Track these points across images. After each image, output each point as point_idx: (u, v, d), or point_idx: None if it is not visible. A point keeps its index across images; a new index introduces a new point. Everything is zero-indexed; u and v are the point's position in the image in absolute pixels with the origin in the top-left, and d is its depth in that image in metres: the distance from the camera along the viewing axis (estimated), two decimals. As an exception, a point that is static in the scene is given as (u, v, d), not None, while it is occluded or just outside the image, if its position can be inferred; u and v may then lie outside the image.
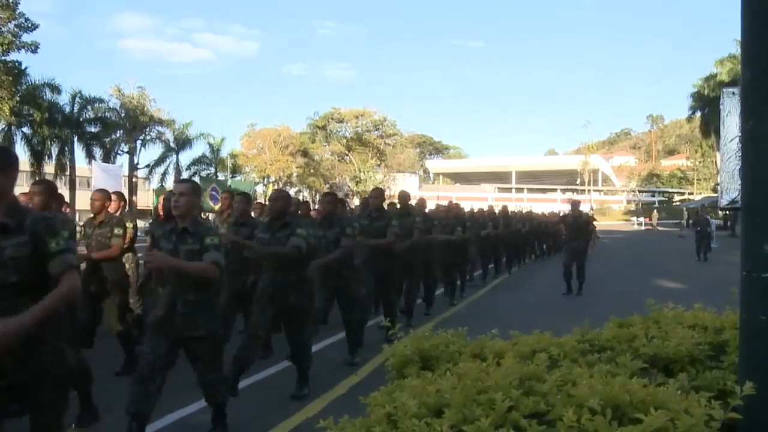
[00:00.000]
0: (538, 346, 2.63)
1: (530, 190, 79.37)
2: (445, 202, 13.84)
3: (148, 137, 43.77)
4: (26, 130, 33.98)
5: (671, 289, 12.72)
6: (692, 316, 3.10)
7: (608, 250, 26.14)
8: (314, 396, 5.45)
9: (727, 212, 36.43)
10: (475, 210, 14.99)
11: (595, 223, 13.15)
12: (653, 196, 79.97)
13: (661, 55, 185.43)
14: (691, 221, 31.51)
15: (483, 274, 14.35)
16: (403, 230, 8.16)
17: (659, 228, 50.13)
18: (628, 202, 79.23)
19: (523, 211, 24.40)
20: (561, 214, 23.81)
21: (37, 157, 34.79)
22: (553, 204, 53.70)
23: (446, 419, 1.74)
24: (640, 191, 79.35)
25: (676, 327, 2.86)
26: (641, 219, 58.52)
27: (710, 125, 46.49)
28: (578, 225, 12.40)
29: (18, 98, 28.64)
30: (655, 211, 54.79)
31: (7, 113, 27.37)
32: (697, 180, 71.68)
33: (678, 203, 65.92)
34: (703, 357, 2.55)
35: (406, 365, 2.48)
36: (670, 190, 79.91)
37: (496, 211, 16.85)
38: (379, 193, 8.38)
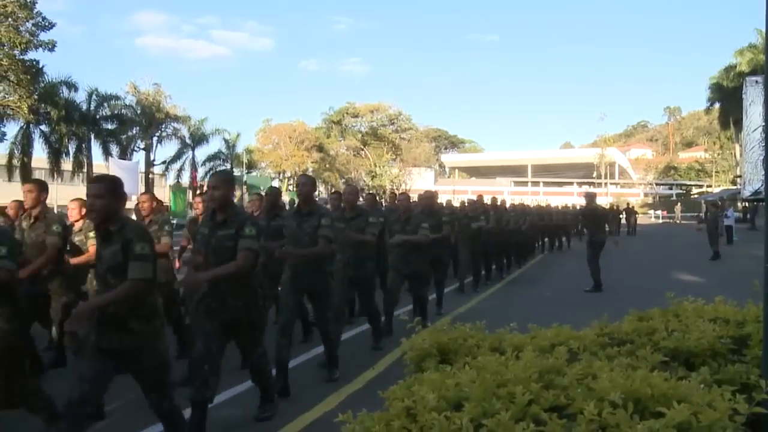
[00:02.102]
0: (557, 339, 2.62)
1: (546, 184, 78.92)
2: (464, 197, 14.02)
3: (164, 134, 44.03)
4: (44, 127, 34.27)
5: (690, 282, 12.61)
6: (713, 310, 3.07)
7: (626, 243, 25.96)
8: (331, 390, 5.45)
9: (747, 204, 36.07)
10: (457, 202, 14.40)
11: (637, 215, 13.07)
12: (671, 188, 79.27)
13: (678, 47, 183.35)
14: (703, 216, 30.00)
15: (474, 281, 11.95)
16: (433, 229, 8.45)
17: (681, 222, 49.67)
18: (645, 195, 78.61)
19: (529, 204, 22.83)
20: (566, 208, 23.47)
21: (55, 155, 35.08)
22: (569, 197, 53.35)
23: (466, 413, 1.73)
24: (657, 184, 78.72)
25: (697, 320, 2.84)
26: (659, 212, 58.02)
27: (729, 116, 45.98)
28: (595, 218, 12.24)
29: (36, 96, 28.88)
30: (679, 204, 54.24)
31: (26, 111, 27.62)
32: (716, 172, 70.90)
33: (696, 196, 65.25)
34: (725, 351, 2.53)
35: (425, 359, 2.48)
36: (688, 182, 79.11)
37: (505, 206, 15.60)
38: (353, 189, 8.36)
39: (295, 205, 5.98)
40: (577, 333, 2.73)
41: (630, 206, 35.21)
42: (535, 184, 79.78)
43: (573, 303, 10.25)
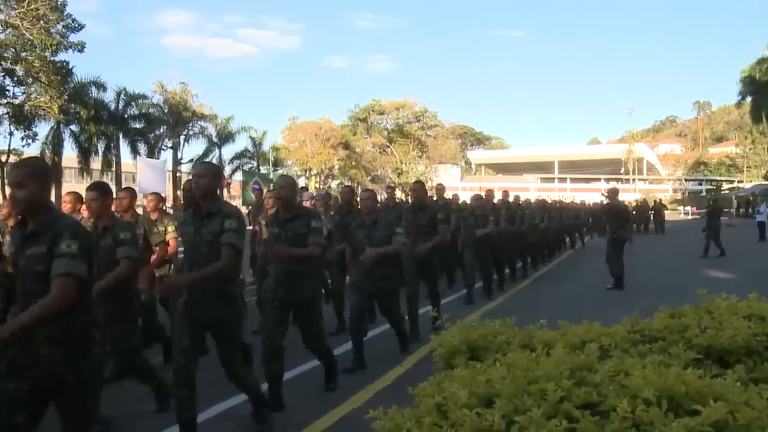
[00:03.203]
0: (588, 336, 2.59)
1: (573, 180, 78.20)
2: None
3: (191, 132, 44.44)
4: (74, 127, 34.80)
5: (722, 278, 12.41)
6: (747, 306, 3.01)
7: (653, 241, 25.64)
8: (359, 387, 5.46)
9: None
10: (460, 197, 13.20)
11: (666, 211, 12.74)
12: (700, 184, 78.06)
13: (707, 40, 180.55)
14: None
15: (485, 287, 10.67)
16: (423, 229, 8.01)
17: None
18: (674, 191, 77.53)
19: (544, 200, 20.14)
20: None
21: (85, 154, 35.61)
22: (596, 194, 52.80)
23: (497, 409, 1.73)
24: (686, 180, 77.58)
25: (731, 317, 2.79)
26: (688, 208, 57.20)
27: (762, 110, 45.21)
28: (617, 215, 11.99)
29: (66, 97, 29.32)
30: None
31: (56, 112, 28.05)
32: (747, 167, 69.68)
33: (727, 191, 64.19)
34: (761, 348, 2.48)
35: (454, 355, 2.47)
36: (719, 178, 77.82)
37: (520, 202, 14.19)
38: (348, 190, 8.33)
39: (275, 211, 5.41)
40: (607, 330, 2.70)
41: (658, 202, 34.60)
42: (562, 180, 79.12)
43: (600, 300, 10.16)
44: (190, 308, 4.16)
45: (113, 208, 5.63)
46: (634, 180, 73.62)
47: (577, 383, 1.91)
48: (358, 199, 7.95)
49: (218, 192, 4.43)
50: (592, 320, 2.82)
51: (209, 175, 4.25)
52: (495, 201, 12.20)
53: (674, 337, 2.62)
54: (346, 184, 37.34)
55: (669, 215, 38.19)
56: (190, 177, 5.05)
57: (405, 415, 1.84)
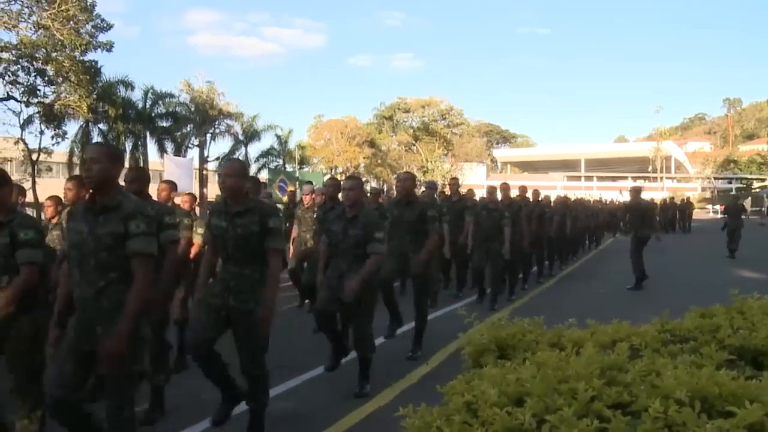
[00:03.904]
0: (618, 335, 2.58)
1: (600, 179, 77.46)
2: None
3: (217, 130, 44.66)
4: (102, 126, 35.20)
5: (753, 278, 12.22)
6: (781, 306, 2.97)
7: (683, 239, 25.32)
8: (385, 385, 5.47)
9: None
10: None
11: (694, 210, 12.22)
12: (730, 183, 76.82)
13: (737, 35, 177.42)
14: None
15: (492, 294, 9.45)
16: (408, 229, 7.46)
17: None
18: (703, 189, 76.41)
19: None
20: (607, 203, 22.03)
21: (113, 152, 36.08)
22: (624, 193, 52.24)
23: (528, 408, 1.73)
24: (715, 178, 76.43)
25: (764, 317, 2.76)
26: (717, 206, 56.34)
27: (793, 107, 44.26)
28: (640, 213, 11.80)
29: (94, 96, 29.68)
30: (749, 198, 52.51)
31: (85, 110, 28.39)
32: (779, 165, 68.43)
33: (757, 190, 63.07)
34: (796, 349, 2.45)
35: (483, 354, 2.47)
36: (749, 176, 76.51)
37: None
38: (333, 183, 7.79)
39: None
40: (637, 329, 2.68)
41: (684, 201, 34.02)
42: (589, 178, 78.40)
43: (628, 299, 10.09)
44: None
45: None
46: (661, 178, 72.65)
47: (608, 383, 1.90)
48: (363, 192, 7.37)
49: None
50: (621, 320, 2.80)
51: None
52: (512, 196, 11.07)
53: (706, 337, 2.59)
54: (331, 175, 36.97)
55: (697, 214, 37.67)
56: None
57: (434, 413, 1.85)
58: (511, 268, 10.31)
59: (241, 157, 44.74)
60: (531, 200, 12.36)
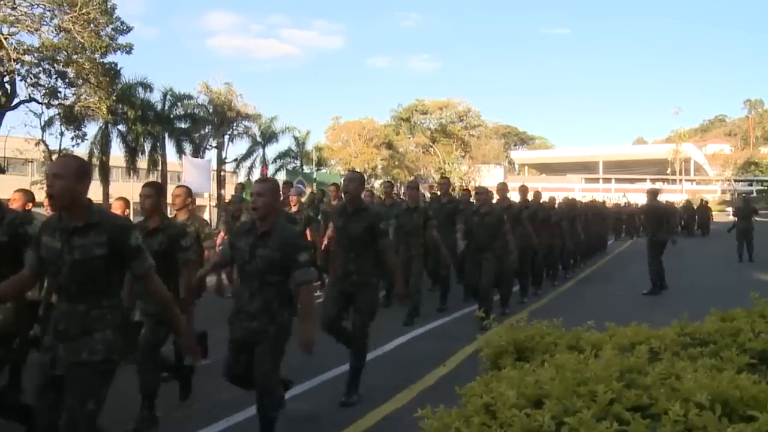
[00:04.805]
0: (637, 338, 2.57)
1: (618, 181, 76.93)
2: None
3: (235, 132, 44.92)
4: (121, 127, 35.55)
5: (772, 282, 12.08)
6: (803, 311, 2.94)
7: (701, 242, 25.07)
8: (402, 387, 5.47)
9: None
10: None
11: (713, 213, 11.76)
12: (750, 185, 75.98)
13: (759, 36, 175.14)
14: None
15: (502, 300, 9.18)
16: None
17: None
18: (723, 191, 75.65)
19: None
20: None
21: (131, 154, 36.36)
22: (641, 195, 51.81)
23: (547, 410, 1.73)
24: (735, 180, 75.62)
25: (786, 321, 2.73)
26: (730, 209, 55.77)
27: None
28: (657, 216, 11.46)
29: (114, 97, 29.98)
30: None
31: (105, 112, 28.68)
32: (801, 168, 67.58)
33: (778, 192, 62.35)
34: (819, 354, 2.43)
35: (501, 356, 2.47)
36: (770, 179, 75.68)
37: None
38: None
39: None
40: (656, 332, 2.67)
41: (703, 203, 33.57)
42: (607, 180, 77.89)
43: (646, 302, 10.02)
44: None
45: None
46: (680, 181, 72.03)
47: (627, 385, 1.90)
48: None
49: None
50: (639, 322, 2.79)
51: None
52: (510, 198, 10.21)
53: (726, 340, 2.57)
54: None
55: (716, 216, 37.22)
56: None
57: (453, 415, 1.85)
58: (521, 271, 9.85)
59: (258, 159, 45.05)
60: (532, 202, 11.16)
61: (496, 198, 9.60)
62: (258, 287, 3.99)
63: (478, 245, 8.27)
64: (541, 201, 11.99)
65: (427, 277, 10.22)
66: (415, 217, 8.63)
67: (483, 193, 8.63)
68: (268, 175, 37.98)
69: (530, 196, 11.29)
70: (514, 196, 11.24)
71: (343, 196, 5.58)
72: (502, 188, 9.96)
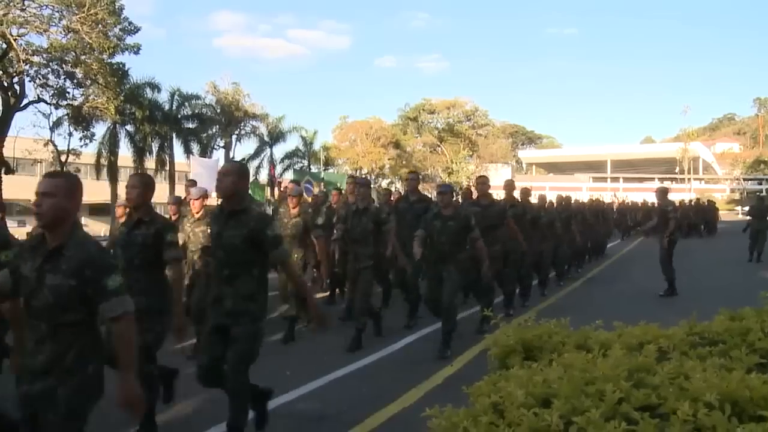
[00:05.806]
0: (645, 338, 2.56)
1: (626, 180, 76.65)
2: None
3: (242, 131, 45.04)
4: (129, 127, 35.74)
5: (781, 282, 12.02)
6: (813, 311, 2.92)
7: (709, 242, 24.94)
8: (409, 386, 5.46)
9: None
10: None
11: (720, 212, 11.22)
12: (760, 184, 75.51)
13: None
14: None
15: (506, 300, 8.97)
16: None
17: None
18: (732, 191, 75.25)
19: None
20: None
21: (139, 154, 36.54)
22: (650, 194, 51.57)
23: (555, 410, 1.72)
24: (745, 179, 75.22)
25: (796, 321, 2.71)
26: (746, 208, 55.50)
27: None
28: (666, 215, 11.14)
29: (122, 98, 30.09)
30: None
31: (113, 112, 28.80)
32: (811, 167, 67.10)
33: (789, 191, 61.94)
34: (829, 354, 2.41)
35: (509, 355, 2.46)
36: (780, 177, 75.19)
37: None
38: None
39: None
40: (665, 331, 2.66)
41: (708, 203, 33.28)
42: (615, 180, 77.60)
43: (654, 302, 9.97)
44: None
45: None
46: (689, 180, 71.72)
47: (636, 385, 1.89)
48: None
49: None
50: (648, 322, 2.77)
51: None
52: (493, 196, 8.86)
53: (735, 340, 2.56)
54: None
55: (725, 216, 37.04)
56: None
57: (461, 414, 1.85)
58: (508, 279, 8.89)
59: (266, 158, 45.13)
60: (520, 202, 9.78)
61: (496, 197, 9.07)
62: (47, 331, 2.72)
63: (439, 255, 6.79)
64: (529, 199, 10.48)
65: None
66: (363, 221, 7.00)
67: (447, 192, 7.01)
68: (276, 175, 38.09)
69: (517, 194, 9.91)
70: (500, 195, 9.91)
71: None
72: (509, 186, 9.40)
